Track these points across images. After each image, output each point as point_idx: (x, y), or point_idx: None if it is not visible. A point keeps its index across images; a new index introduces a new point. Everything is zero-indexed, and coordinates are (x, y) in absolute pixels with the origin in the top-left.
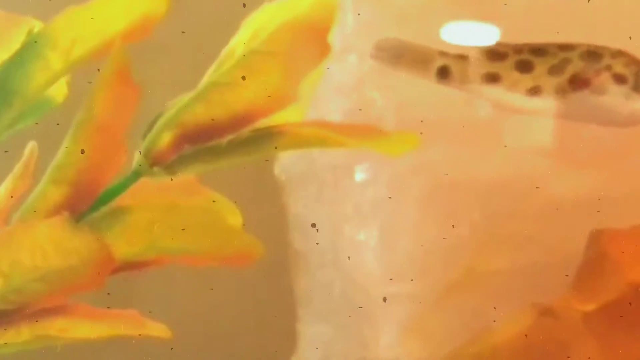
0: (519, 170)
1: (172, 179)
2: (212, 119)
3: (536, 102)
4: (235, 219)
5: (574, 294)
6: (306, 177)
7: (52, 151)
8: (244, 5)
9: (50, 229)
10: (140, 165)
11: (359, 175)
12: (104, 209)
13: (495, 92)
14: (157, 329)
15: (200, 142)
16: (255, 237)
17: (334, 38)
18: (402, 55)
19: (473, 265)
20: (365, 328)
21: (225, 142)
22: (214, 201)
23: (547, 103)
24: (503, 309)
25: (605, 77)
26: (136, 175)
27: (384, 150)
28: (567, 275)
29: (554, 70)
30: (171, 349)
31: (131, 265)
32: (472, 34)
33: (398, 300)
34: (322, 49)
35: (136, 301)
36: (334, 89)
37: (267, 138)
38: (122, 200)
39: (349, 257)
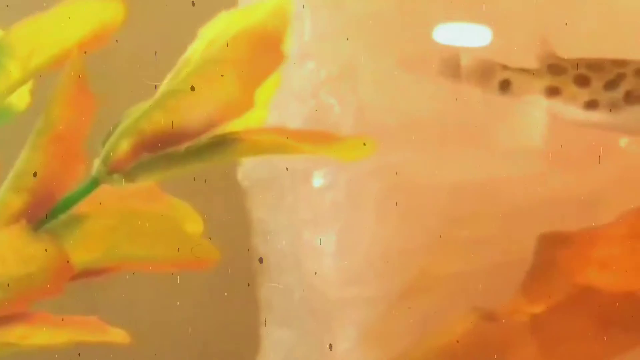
0: (475, 174)
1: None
2: (170, 127)
3: (592, 115)
4: (195, 225)
5: (523, 296)
6: (267, 183)
7: (15, 159)
8: (192, 3)
9: (10, 237)
10: (99, 172)
11: (317, 181)
12: (63, 217)
13: (554, 104)
14: (118, 335)
15: (159, 149)
16: (219, 242)
17: (292, 46)
18: (466, 70)
19: (430, 268)
20: (324, 332)
21: (183, 149)
22: (173, 208)
23: (602, 116)
24: (459, 311)
25: None
26: (95, 182)
27: (340, 156)
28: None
29: (609, 86)
30: (133, 355)
31: (90, 272)
32: (427, 39)
33: (356, 304)
34: (277, 57)
35: (98, 308)
36: (293, 95)
37: (225, 145)
38: (81, 207)
39: (307, 262)
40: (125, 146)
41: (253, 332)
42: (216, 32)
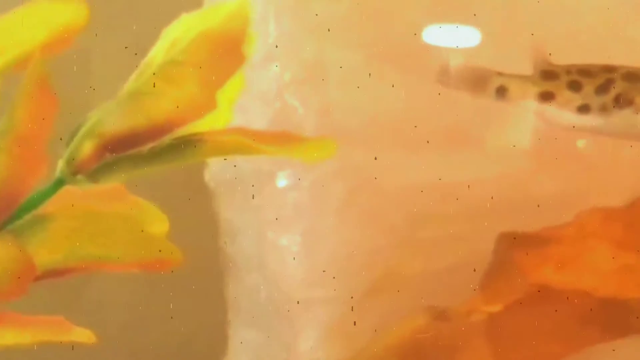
0: (438, 175)
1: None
2: (133, 128)
3: (584, 119)
4: (161, 226)
5: (482, 295)
6: (233, 184)
7: None
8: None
9: None
10: (63, 173)
11: (281, 182)
12: (27, 217)
13: (548, 109)
14: (84, 335)
15: (122, 150)
16: (186, 242)
17: (257, 48)
18: (464, 78)
19: (392, 268)
20: (288, 331)
21: (146, 150)
22: (138, 208)
23: (594, 120)
24: (421, 310)
25: None
26: (59, 183)
27: (301, 157)
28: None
29: (600, 90)
30: (99, 355)
31: (54, 273)
32: (391, 40)
33: (320, 303)
34: (237, 59)
35: (64, 308)
36: (258, 97)
37: (188, 146)
38: (45, 208)
39: (272, 263)
40: (88, 147)
41: (221, 332)
42: (178, 33)
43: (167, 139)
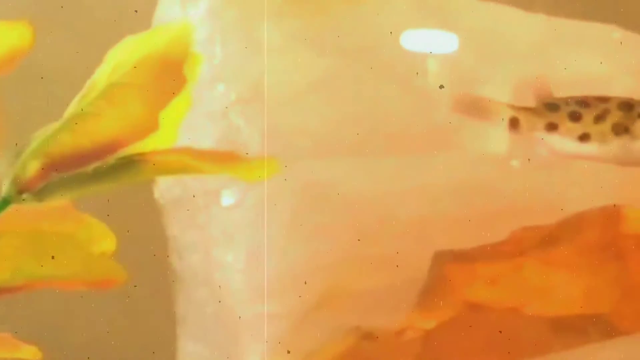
0: (383, 191)
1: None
2: (78, 148)
3: (585, 148)
4: (108, 243)
5: (417, 312)
6: (181, 202)
7: None
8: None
9: None
10: (9, 192)
11: (227, 200)
12: None
13: (553, 139)
14: (30, 352)
15: (67, 170)
16: (136, 258)
17: (203, 68)
18: (478, 108)
19: (336, 284)
20: (234, 346)
21: (91, 169)
22: (85, 226)
23: (594, 148)
24: (365, 326)
25: (639, 124)
26: (5, 202)
27: (244, 176)
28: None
29: (598, 119)
30: None
31: (1, 291)
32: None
33: (264, 319)
34: (179, 81)
35: (10, 324)
36: (205, 116)
37: (131, 165)
38: None
39: (218, 279)
40: (34, 167)
41: (169, 347)
42: (122, 55)
43: (111, 158)
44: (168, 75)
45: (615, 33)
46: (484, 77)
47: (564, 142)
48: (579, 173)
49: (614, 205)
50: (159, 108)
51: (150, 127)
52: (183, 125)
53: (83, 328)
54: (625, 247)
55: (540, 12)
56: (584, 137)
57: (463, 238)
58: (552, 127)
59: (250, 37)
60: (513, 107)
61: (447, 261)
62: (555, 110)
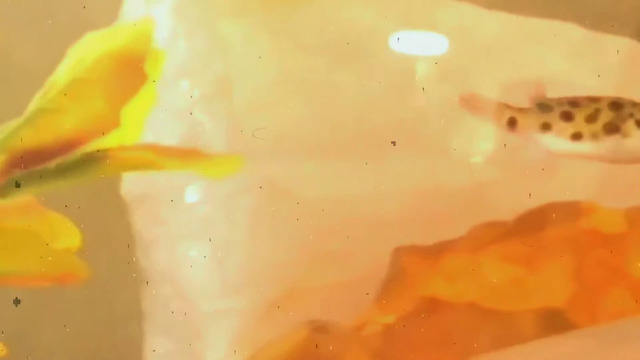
0: (343, 188)
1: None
2: (40, 144)
3: (578, 146)
4: (72, 239)
5: (377, 307)
6: (147, 197)
7: None
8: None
9: None
10: None
11: (191, 196)
12: None
13: (547, 138)
14: None
15: (30, 166)
16: (103, 254)
17: (168, 65)
18: (480, 107)
19: (299, 281)
20: (198, 342)
21: (53, 165)
22: (48, 222)
23: (586, 147)
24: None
25: (629, 124)
26: None
27: (207, 173)
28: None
29: (589, 119)
30: None
31: None
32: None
33: (227, 315)
34: (140, 78)
35: None
36: (170, 113)
37: (94, 162)
38: None
39: (182, 275)
40: None
41: (135, 342)
42: (83, 52)
43: (73, 154)
44: (129, 71)
45: (576, 32)
46: (447, 75)
47: (557, 142)
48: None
49: (575, 201)
50: (121, 104)
51: (111, 123)
52: (148, 122)
53: (49, 323)
54: (582, 243)
55: (500, 10)
56: (576, 136)
57: (423, 234)
58: (546, 127)
59: (214, 34)
60: (510, 107)
61: (406, 256)
62: (548, 111)
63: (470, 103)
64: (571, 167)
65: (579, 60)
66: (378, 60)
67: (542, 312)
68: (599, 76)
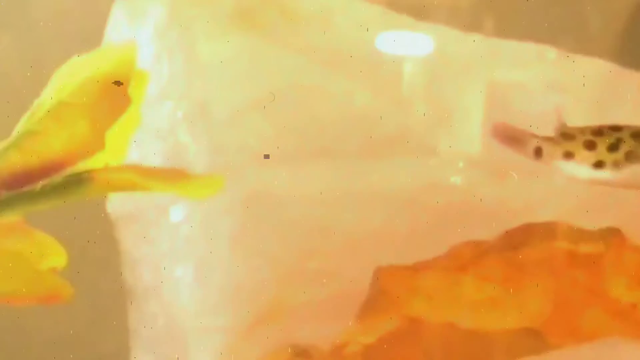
0: (324, 208)
1: None
2: (26, 166)
3: (600, 174)
4: (59, 258)
5: (358, 327)
6: (133, 216)
7: None
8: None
9: None
10: None
11: (175, 215)
12: None
13: (570, 166)
14: None
15: (16, 188)
16: (91, 272)
17: (152, 86)
18: (510, 137)
19: (280, 298)
20: (182, 358)
21: (39, 187)
22: (34, 242)
23: (608, 175)
24: (307, 340)
25: None
26: None
27: (188, 193)
28: None
29: (612, 148)
30: None
31: None
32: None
33: (211, 332)
34: (123, 101)
35: None
36: (154, 134)
37: (79, 183)
38: None
39: (167, 293)
40: None
41: (124, 358)
42: (68, 76)
43: (58, 176)
44: (113, 94)
45: (550, 53)
46: (425, 97)
47: (580, 169)
48: (526, 187)
49: (552, 221)
50: (105, 127)
51: (96, 145)
52: (133, 141)
53: (37, 342)
54: (558, 263)
55: (478, 33)
56: (598, 164)
57: (404, 252)
58: (569, 155)
59: (195, 56)
60: (536, 136)
61: (386, 276)
62: (570, 140)
63: (503, 133)
64: (557, 188)
65: (555, 80)
66: (357, 78)
67: (520, 332)
68: (573, 97)
